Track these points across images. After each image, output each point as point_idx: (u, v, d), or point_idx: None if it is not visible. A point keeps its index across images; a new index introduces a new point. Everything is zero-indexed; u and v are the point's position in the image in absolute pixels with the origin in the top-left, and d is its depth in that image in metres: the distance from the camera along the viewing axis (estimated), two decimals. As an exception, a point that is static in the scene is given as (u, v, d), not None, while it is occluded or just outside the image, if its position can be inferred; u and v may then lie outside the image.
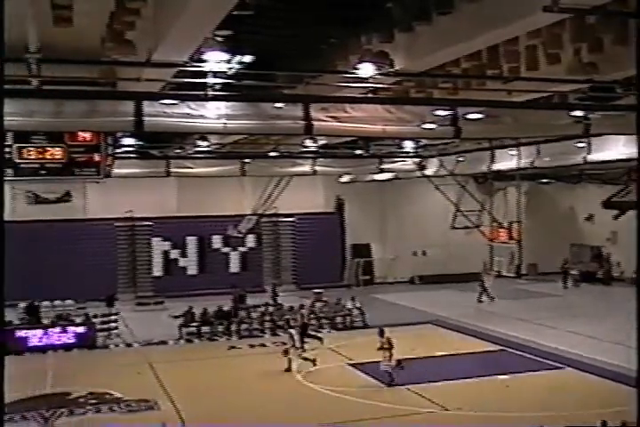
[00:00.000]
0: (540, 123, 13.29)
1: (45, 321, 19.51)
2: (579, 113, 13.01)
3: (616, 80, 10.54)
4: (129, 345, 19.39)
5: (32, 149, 15.73)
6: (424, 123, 12.02)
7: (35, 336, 18.52)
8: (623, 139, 17.24)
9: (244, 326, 20.42)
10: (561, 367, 15.70)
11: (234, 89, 10.57)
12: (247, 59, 9.19)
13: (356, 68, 9.98)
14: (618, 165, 21.95)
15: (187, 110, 10.57)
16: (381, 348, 14.45)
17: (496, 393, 13.85)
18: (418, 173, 26.35)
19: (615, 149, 18.01)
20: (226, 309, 20.94)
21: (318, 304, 21.77)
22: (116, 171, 19.00)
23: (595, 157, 19.34)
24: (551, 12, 6.56)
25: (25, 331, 18.64)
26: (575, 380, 14.82)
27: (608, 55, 9.40)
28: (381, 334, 14.78)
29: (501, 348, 17.22)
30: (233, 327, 20.28)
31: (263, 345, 18.98)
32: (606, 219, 26.53)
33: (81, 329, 19.02)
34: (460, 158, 24.23)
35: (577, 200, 32.17)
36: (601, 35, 9.21)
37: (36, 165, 16.01)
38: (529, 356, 16.78)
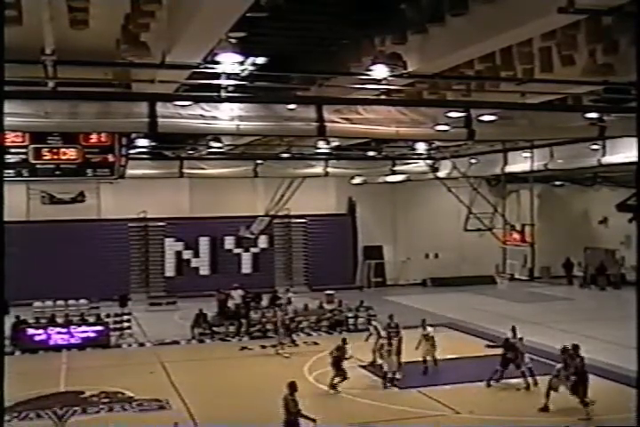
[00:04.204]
0: (555, 125, 13.19)
1: (59, 320, 19.67)
2: (593, 115, 12.91)
3: (632, 82, 10.45)
4: (141, 345, 19.50)
5: (48, 149, 15.88)
6: (437, 125, 11.98)
7: (49, 335, 18.68)
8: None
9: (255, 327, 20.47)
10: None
11: (247, 91, 10.62)
12: (261, 60, 9.22)
13: (370, 70, 9.98)
14: (632, 168, 21.70)
15: (200, 112, 10.61)
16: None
17: (509, 397, 13.75)
18: (430, 175, 26.25)
19: (630, 151, 17.81)
20: (233, 309, 21.02)
21: (328, 306, 21.75)
22: (129, 171, 19.04)
23: (609, 159, 19.14)
24: (566, 13, 6.53)
25: (39, 330, 18.82)
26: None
27: (624, 56, 9.31)
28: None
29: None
30: (243, 328, 20.36)
31: (274, 346, 18.98)
32: (621, 222, 26.26)
33: (94, 329, 19.16)
34: (473, 160, 24.10)
35: (591, 203, 31.86)
36: (617, 36, 9.13)
37: (52, 166, 16.13)
38: (543, 360, 16.61)
